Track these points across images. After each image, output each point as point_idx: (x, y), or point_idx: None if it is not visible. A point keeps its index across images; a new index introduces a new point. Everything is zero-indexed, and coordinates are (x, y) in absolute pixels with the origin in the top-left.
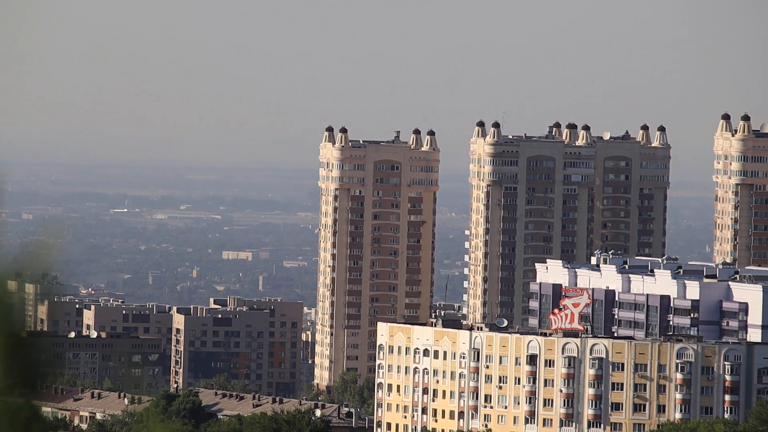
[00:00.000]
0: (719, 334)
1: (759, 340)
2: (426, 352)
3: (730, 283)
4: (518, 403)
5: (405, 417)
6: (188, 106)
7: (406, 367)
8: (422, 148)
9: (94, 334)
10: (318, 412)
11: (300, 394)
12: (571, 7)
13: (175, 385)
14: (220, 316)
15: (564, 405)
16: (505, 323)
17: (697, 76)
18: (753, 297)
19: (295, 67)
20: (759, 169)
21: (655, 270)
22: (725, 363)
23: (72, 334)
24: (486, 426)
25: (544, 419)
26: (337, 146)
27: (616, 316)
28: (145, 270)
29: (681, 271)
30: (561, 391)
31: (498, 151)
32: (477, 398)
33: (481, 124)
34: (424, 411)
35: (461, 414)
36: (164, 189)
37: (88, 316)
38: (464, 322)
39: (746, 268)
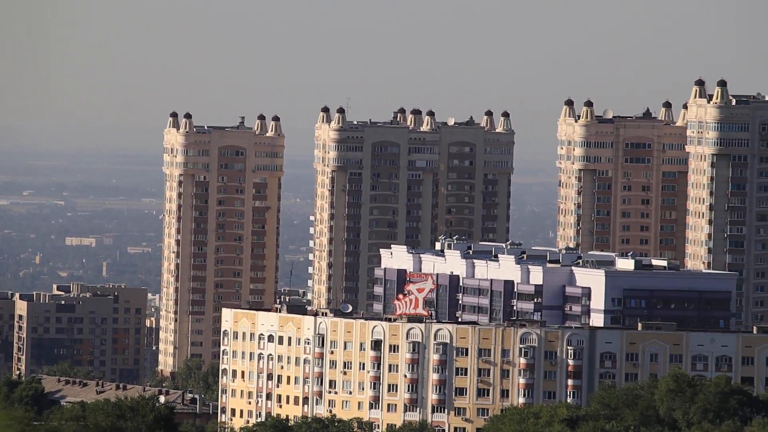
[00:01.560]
0: (562, 318)
1: (601, 324)
2: (271, 338)
3: (573, 268)
4: (363, 389)
5: (249, 403)
6: (30, 91)
7: (250, 353)
8: (267, 134)
9: None
10: (162, 399)
11: (144, 380)
12: None
13: (18, 372)
14: (63, 302)
15: (408, 390)
16: (350, 309)
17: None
18: (596, 282)
19: (139, 53)
20: (601, 155)
21: (499, 255)
22: (568, 348)
23: None
24: (331, 411)
25: (389, 404)
26: (182, 132)
27: (460, 302)
28: None
29: (525, 256)
30: (405, 376)
31: (343, 137)
32: (322, 384)
33: (326, 109)
34: (268, 397)
35: (306, 400)
36: (6, 175)
37: None
38: (309, 308)
39: (589, 253)
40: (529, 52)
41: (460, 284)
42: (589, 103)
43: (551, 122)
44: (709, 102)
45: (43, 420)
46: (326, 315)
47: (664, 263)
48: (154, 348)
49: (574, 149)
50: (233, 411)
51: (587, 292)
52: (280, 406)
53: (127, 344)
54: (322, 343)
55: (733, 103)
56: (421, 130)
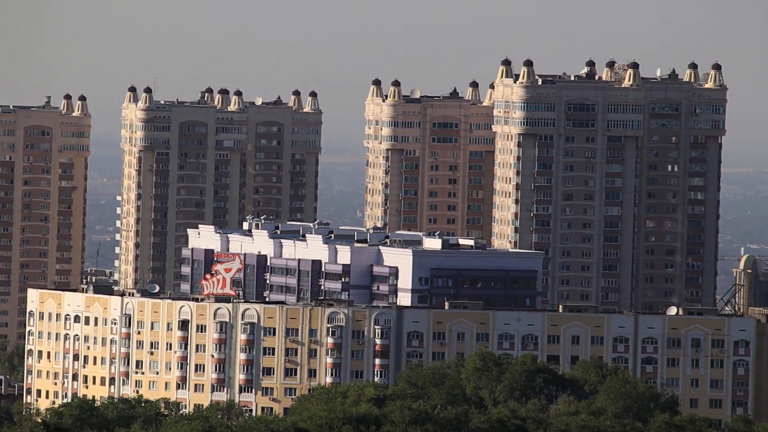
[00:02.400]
0: (370, 298)
1: (409, 303)
2: (77, 319)
3: (380, 247)
4: (170, 369)
5: (56, 384)
6: None
7: (56, 334)
8: (74, 114)
9: None
10: None
11: None
12: None
13: None
14: None
15: (215, 370)
16: (157, 289)
17: (348, 42)
18: (403, 261)
19: None
20: (409, 135)
21: (306, 235)
22: (375, 327)
23: None
24: (137, 392)
25: (196, 384)
26: None
27: (268, 281)
28: None
29: (332, 236)
30: (213, 356)
31: (150, 116)
32: (128, 364)
33: (132, 89)
34: (75, 377)
35: (113, 380)
36: None
37: None
38: (116, 288)
39: (397, 232)
40: (337, 31)
41: (268, 264)
42: (396, 83)
43: (359, 102)
44: (515, 82)
45: None
46: (133, 295)
47: (471, 243)
48: None
49: (381, 129)
50: (39, 392)
51: (395, 272)
52: (87, 387)
53: None
54: (129, 324)
55: (540, 83)
56: (229, 109)
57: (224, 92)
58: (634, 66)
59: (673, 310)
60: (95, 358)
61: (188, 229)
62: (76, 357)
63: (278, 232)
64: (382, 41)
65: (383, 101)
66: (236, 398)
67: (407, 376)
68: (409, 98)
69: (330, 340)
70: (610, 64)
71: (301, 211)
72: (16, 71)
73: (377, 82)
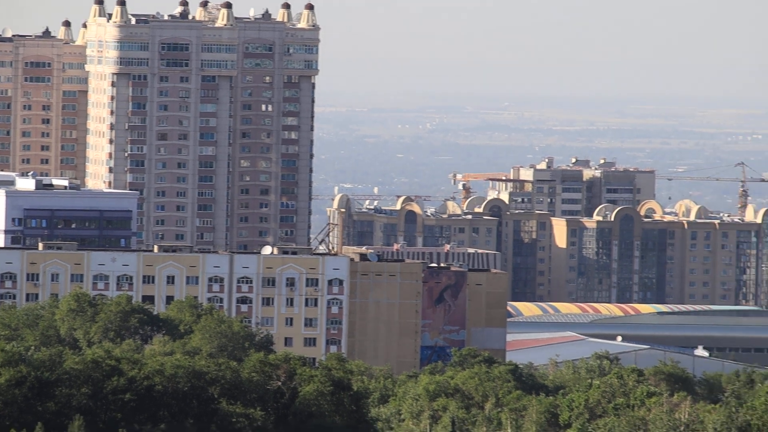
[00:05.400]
0: None
1: (2, 244)
2: None
3: None
4: None
5: None
6: None
7: None
8: None
9: None
10: None
11: None
12: None
13: None
14: None
15: None
16: None
17: None
18: None
19: None
20: (1, 74)
21: None
22: None
23: None
24: None
25: None
26: None
27: None
28: None
29: None
30: None
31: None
32: None
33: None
34: None
35: None
36: None
37: None
38: None
39: None
40: None
41: None
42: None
43: None
44: (108, 21)
45: None
46: None
47: (65, 183)
48: None
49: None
50: None
51: None
52: None
53: None
54: None
55: (133, 22)
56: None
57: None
58: (228, 6)
59: (267, 250)
60: None
61: None
62: None
63: None
64: None
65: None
66: None
67: (0, 317)
68: (1, 37)
69: None
70: (204, 4)
71: None
72: None
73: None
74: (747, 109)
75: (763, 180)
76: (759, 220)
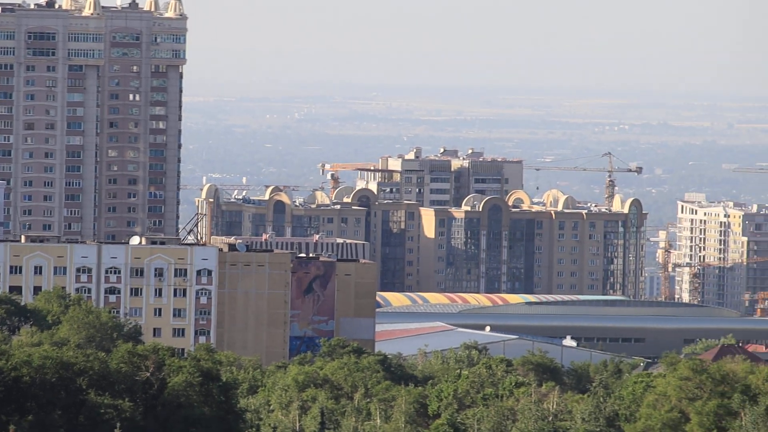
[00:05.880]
0: None
1: None
2: None
3: None
4: None
5: None
6: None
7: None
8: None
9: None
10: None
11: None
12: None
13: None
14: None
15: None
16: None
17: None
18: None
19: None
20: None
21: None
22: None
23: None
24: None
25: None
26: None
27: None
28: None
29: None
30: None
31: None
32: None
33: None
34: None
35: None
36: None
37: None
38: None
39: None
40: None
41: None
42: None
43: None
44: None
45: None
46: None
47: None
48: None
49: None
50: None
51: None
52: None
53: None
54: None
55: (0, 11)
56: None
57: None
58: None
59: (136, 240)
60: None
61: None
62: None
63: None
64: None
65: None
66: None
67: None
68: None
69: None
70: None
71: None
72: None
73: None
74: (614, 99)
75: (629, 170)
76: (626, 210)
